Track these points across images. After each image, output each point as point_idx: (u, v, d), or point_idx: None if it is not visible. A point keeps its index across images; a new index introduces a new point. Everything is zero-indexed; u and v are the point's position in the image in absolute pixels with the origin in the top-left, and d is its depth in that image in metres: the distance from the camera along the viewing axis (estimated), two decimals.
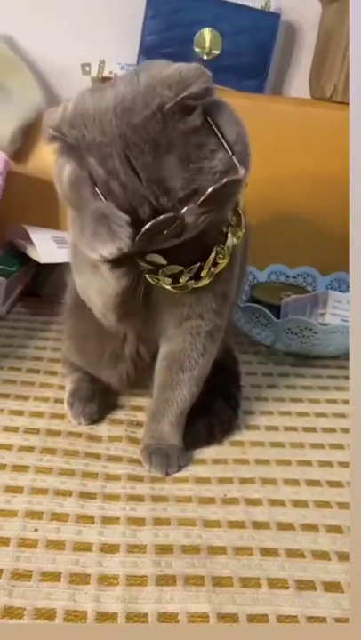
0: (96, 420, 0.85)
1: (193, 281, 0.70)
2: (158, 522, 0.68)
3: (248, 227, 0.82)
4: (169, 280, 0.69)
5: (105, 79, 1.33)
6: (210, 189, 0.59)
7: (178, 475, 0.77)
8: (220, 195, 0.61)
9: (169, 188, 0.59)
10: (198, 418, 0.82)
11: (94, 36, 1.38)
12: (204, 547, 0.65)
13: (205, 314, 0.74)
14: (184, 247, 0.65)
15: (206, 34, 1.30)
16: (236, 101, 1.28)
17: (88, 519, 0.68)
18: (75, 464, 0.76)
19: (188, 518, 0.69)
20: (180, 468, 0.78)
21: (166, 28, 1.32)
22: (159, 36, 1.33)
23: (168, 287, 0.69)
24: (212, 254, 0.69)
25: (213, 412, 0.84)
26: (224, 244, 0.70)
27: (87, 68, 1.34)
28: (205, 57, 1.31)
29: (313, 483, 0.77)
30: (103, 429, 0.85)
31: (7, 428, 0.82)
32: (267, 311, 1.05)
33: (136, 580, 0.60)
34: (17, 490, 0.71)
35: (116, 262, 0.62)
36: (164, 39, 1.33)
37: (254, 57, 1.36)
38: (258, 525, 0.69)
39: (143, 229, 0.59)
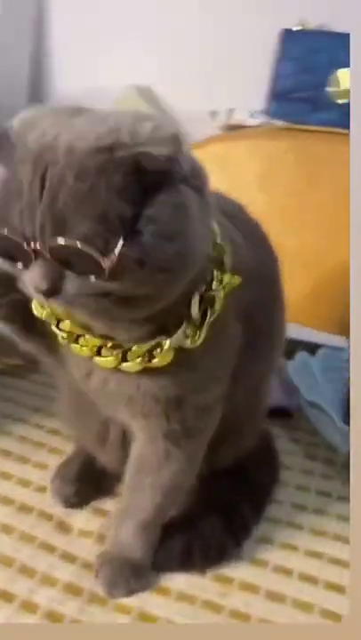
0: (76, 504, 0.74)
1: (120, 356, 0.54)
2: None
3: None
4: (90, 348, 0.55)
5: (232, 127, 1.26)
6: (55, 243, 0.43)
7: (122, 601, 0.62)
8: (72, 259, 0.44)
9: (65, 224, 0.43)
10: (178, 533, 0.66)
11: (223, 83, 1.31)
12: None
13: (157, 416, 0.59)
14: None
15: (341, 75, 1.13)
16: None
17: None
18: (23, 556, 0.66)
19: None
20: (129, 593, 0.62)
21: (301, 71, 1.19)
22: (293, 78, 1.20)
23: (89, 355, 0.55)
24: (147, 345, 0.53)
25: (199, 530, 0.67)
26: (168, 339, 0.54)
27: (215, 116, 1.28)
28: (340, 100, 1.14)
29: None
30: (80, 518, 0.73)
31: None
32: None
33: None
34: None
35: None
36: (298, 82, 1.19)
37: None
38: None
39: None
